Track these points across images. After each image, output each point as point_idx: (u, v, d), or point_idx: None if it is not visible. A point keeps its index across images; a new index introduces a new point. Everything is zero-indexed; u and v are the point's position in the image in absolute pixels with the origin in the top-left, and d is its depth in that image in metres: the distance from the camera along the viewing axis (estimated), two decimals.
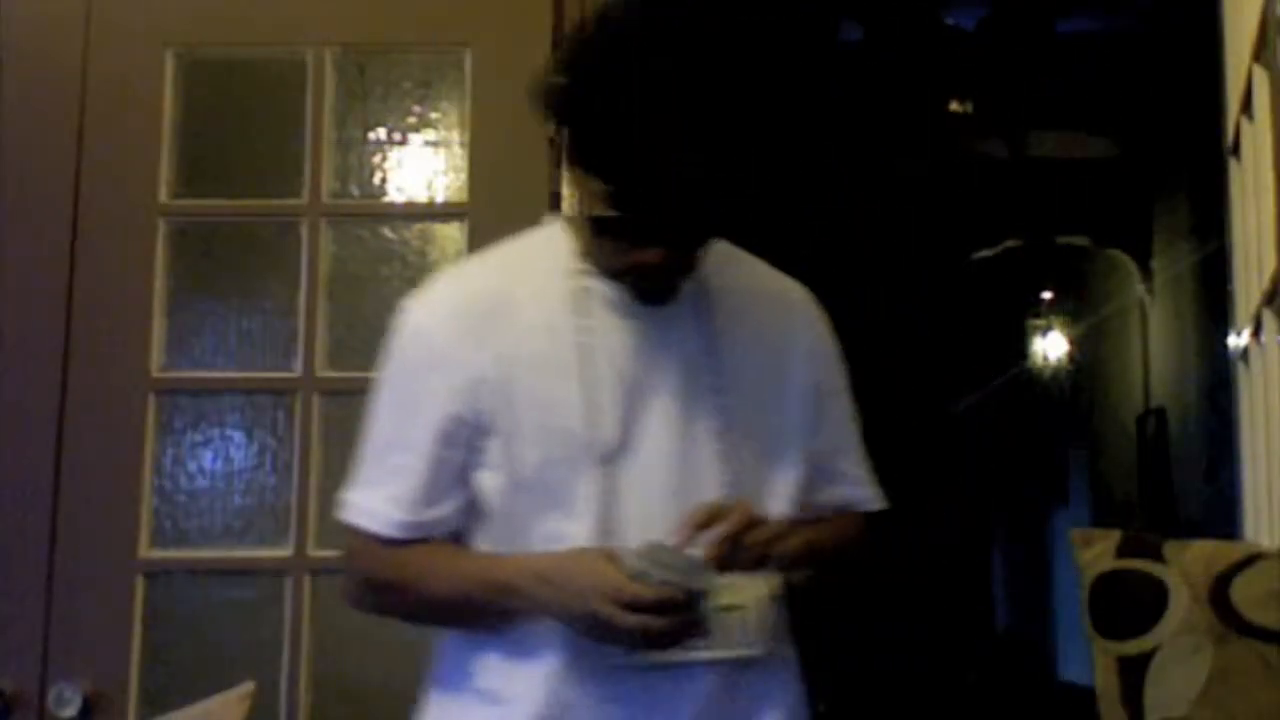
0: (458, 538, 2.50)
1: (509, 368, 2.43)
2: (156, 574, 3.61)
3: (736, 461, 2.45)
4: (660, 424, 2.44)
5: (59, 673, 3.46)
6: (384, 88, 3.82)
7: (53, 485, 3.54)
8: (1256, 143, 3.33)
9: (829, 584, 2.62)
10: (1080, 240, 10.47)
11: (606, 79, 2.24)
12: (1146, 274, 9.61)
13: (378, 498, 2.50)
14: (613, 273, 2.41)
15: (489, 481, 2.45)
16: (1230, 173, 3.64)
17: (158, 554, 3.61)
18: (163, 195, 3.68)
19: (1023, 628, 11.33)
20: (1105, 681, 2.43)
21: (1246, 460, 3.56)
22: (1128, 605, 2.41)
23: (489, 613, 2.43)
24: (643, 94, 2.21)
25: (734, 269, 2.55)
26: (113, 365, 3.60)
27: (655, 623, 2.22)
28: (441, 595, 2.49)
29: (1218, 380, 5.96)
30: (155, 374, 3.63)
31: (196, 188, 3.75)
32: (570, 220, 2.56)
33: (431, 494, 2.47)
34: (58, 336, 3.57)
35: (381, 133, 3.80)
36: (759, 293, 2.59)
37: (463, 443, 2.45)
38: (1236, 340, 3.66)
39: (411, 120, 3.80)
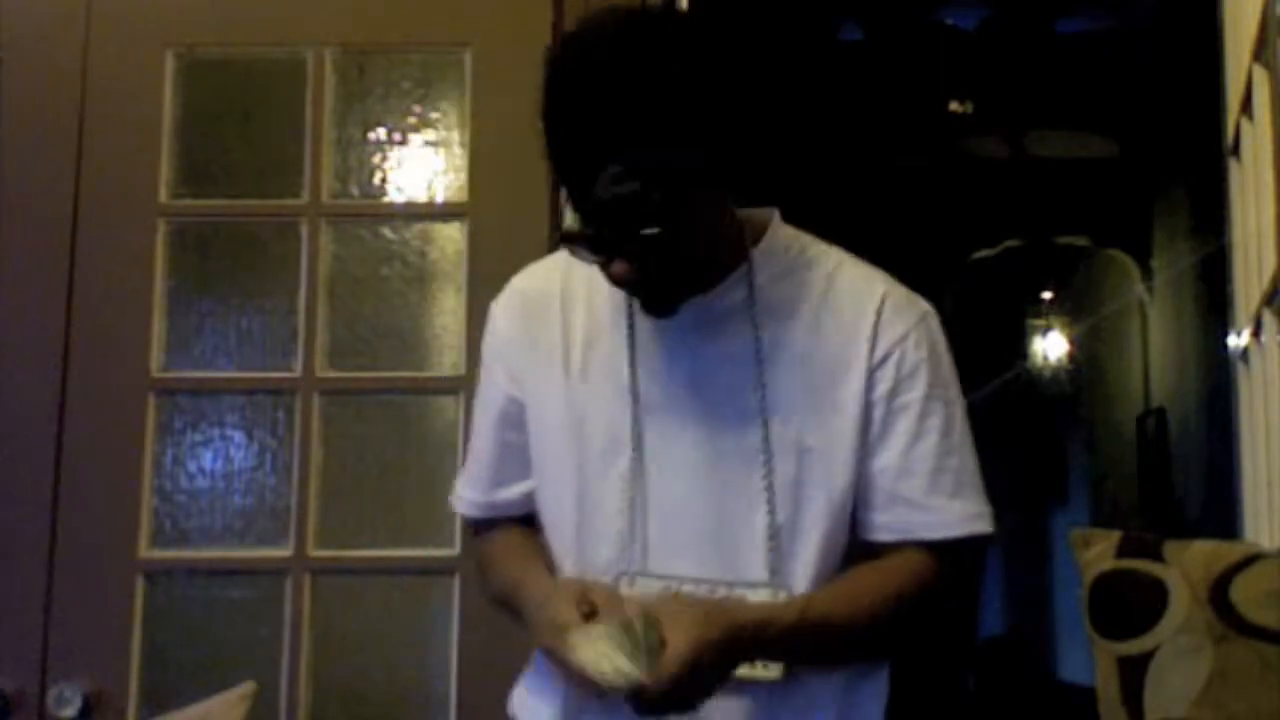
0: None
1: (546, 367, 2.49)
2: (156, 574, 3.62)
3: (770, 477, 2.39)
4: (690, 440, 2.42)
5: (59, 673, 3.48)
6: (384, 88, 3.83)
7: (53, 485, 3.55)
8: (1256, 143, 3.32)
9: (883, 638, 2.46)
10: (1080, 240, 10.46)
11: (548, 89, 2.25)
12: (1146, 274, 9.60)
13: (461, 482, 2.66)
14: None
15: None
16: (1230, 173, 3.64)
17: (158, 554, 3.62)
18: (163, 195, 3.70)
19: (1023, 627, 11.30)
20: (1105, 681, 2.42)
21: (1246, 460, 3.56)
22: (1128, 605, 2.41)
23: (518, 618, 2.47)
24: (570, 105, 2.23)
25: (805, 273, 2.49)
26: (113, 365, 3.61)
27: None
28: (495, 590, 2.59)
29: (1218, 380, 5.95)
30: (155, 374, 3.65)
31: (196, 188, 3.76)
32: None
33: (500, 475, 2.58)
34: (58, 336, 3.59)
35: (381, 133, 3.80)
36: (827, 297, 2.47)
37: (521, 425, 2.54)
38: (1236, 340, 3.65)
39: (412, 120, 3.81)
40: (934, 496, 2.42)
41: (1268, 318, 3.17)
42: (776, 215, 2.53)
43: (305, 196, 3.72)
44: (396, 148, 3.81)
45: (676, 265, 2.31)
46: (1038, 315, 10.80)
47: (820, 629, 2.35)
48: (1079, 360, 10.82)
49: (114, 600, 3.55)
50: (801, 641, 2.33)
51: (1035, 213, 9.89)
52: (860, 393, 2.41)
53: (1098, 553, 2.49)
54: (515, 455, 2.55)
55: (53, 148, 3.67)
